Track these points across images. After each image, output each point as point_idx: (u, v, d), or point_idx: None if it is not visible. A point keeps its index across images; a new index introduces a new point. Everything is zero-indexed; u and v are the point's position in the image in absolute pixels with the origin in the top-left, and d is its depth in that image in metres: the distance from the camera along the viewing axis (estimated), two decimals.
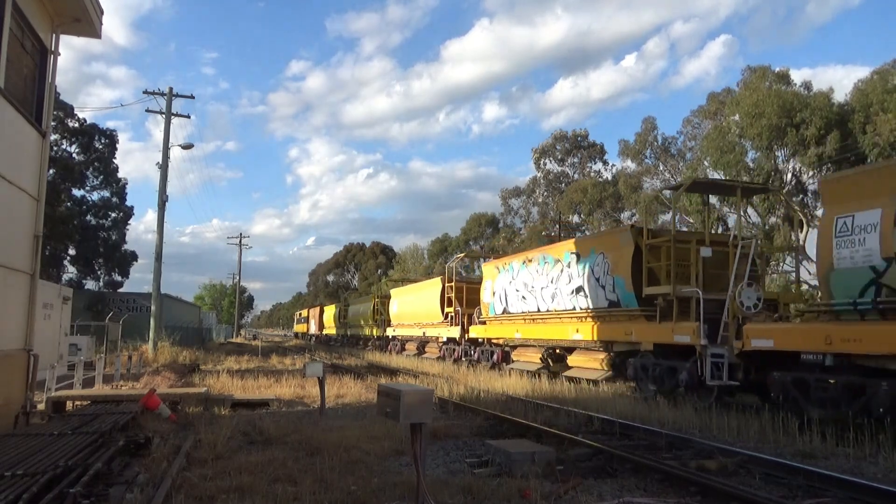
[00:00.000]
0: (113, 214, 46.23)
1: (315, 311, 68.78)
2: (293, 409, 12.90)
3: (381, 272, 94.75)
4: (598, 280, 16.26)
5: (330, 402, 13.17)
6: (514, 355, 21.46)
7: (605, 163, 63.93)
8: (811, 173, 39.26)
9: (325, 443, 8.59)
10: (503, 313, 21.89)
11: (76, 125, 43.29)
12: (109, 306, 38.86)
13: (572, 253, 17.86)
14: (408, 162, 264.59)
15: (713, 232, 14.98)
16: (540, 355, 19.70)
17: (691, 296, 13.00)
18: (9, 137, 9.73)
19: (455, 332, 26.54)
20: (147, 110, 31.49)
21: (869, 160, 33.31)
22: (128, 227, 48.05)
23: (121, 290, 46.59)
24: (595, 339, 16.54)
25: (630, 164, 54.13)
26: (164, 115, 30.59)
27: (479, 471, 7.38)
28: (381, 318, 39.74)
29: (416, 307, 32.66)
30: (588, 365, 17.27)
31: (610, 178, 60.29)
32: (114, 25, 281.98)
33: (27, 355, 10.66)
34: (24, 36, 10.44)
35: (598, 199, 54.76)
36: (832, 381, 9.73)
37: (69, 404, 12.22)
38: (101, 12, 12.05)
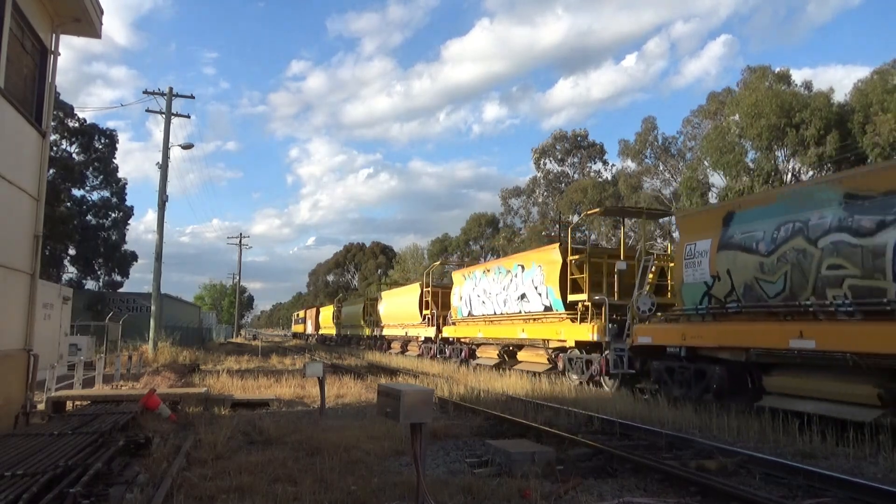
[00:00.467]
0: (113, 214, 46.25)
1: (312, 312, 71.42)
2: (293, 409, 12.90)
3: (382, 272, 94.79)
4: (536, 288, 19.49)
5: (330, 402, 13.18)
6: (479, 352, 24.90)
7: (605, 163, 64.01)
8: (811, 173, 39.27)
9: (326, 443, 8.59)
10: (468, 315, 25.03)
11: (76, 125, 43.31)
12: (109, 306, 38.86)
13: (519, 265, 21.03)
14: (408, 162, 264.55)
15: (639, 247, 17.73)
16: (497, 351, 23.21)
17: (602, 302, 16.19)
18: (9, 137, 9.74)
19: (431, 332, 29.69)
20: (147, 110, 31.53)
21: (869, 160, 33.33)
22: (128, 227, 48.11)
23: (121, 290, 46.62)
24: (535, 337, 19.79)
25: (630, 164, 54.18)
26: (164, 115, 30.61)
27: (479, 471, 7.38)
28: (371, 318, 42.37)
29: (399, 309, 35.65)
30: (533, 360, 20.64)
31: (610, 178, 60.33)
32: (114, 25, 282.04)
33: (27, 355, 10.67)
34: (24, 36, 10.44)
35: (598, 199, 54.77)
36: (687, 368, 12.70)
37: (69, 404, 12.22)
38: (101, 12, 12.06)
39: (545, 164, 65.15)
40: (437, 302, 29.76)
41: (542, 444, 8.37)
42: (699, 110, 48.49)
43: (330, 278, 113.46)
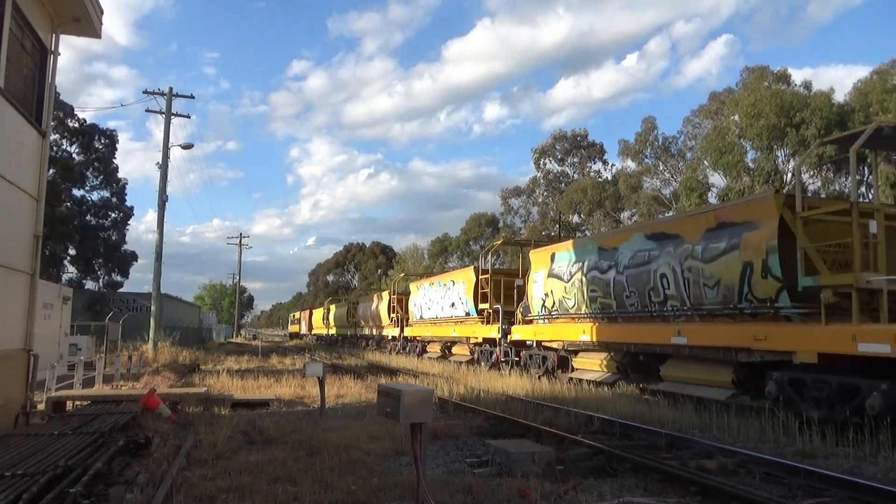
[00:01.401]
0: (113, 214, 46.27)
1: (305, 314, 76.81)
2: (293, 409, 12.91)
3: (382, 272, 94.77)
4: (460, 298, 26.35)
5: (330, 401, 13.18)
6: (428, 347, 31.72)
7: (604, 163, 63.99)
8: (811, 173, 39.27)
9: (326, 443, 8.59)
10: (420, 319, 31.90)
11: (76, 125, 43.33)
12: (109, 306, 38.87)
13: (451, 280, 28.11)
14: (409, 162, 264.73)
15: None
16: (440, 346, 29.85)
17: (498, 308, 22.47)
18: (9, 137, 9.74)
19: (396, 331, 36.17)
20: (147, 110, 31.54)
21: (869, 160, 33.28)
22: (128, 227, 48.13)
23: (121, 290, 46.64)
24: (461, 335, 26.55)
25: (630, 164, 54.17)
26: (164, 115, 30.61)
27: (479, 471, 7.39)
28: (353, 320, 49.60)
29: (373, 312, 41.89)
30: (462, 352, 27.13)
31: (610, 178, 60.33)
32: (115, 25, 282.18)
33: (27, 355, 10.67)
34: (24, 36, 10.44)
35: (597, 199, 54.78)
36: (537, 354, 19.58)
37: (69, 404, 12.22)
38: (101, 12, 12.06)
39: (545, 164, 65.19)
40: (403, 306, 35.38)
41: (542, 444, 8.37)
42: (700, 110, 48.53)
43: (330, 278, 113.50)
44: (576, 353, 17.45)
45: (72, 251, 43.90)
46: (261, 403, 13.21)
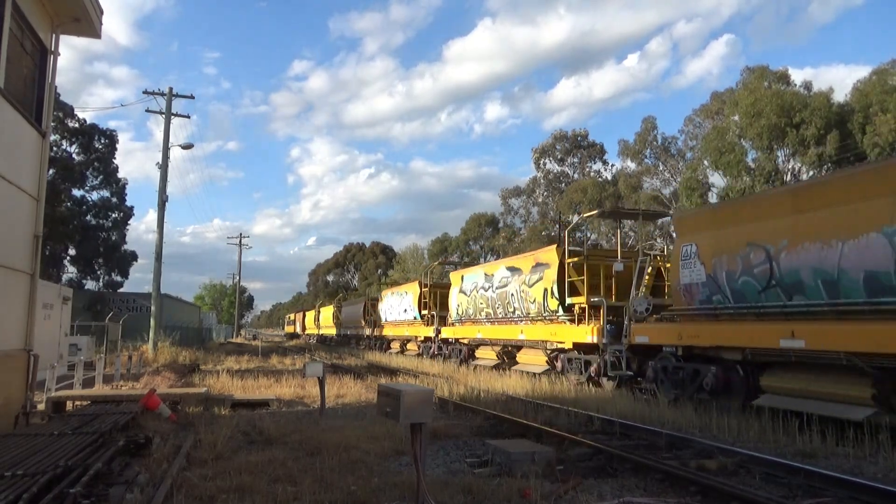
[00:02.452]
0: (113, 214, 46.24)
1: (300, 316, 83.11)
2: (293, 409, 12.91)
3: (382, 272, 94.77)
4: (410, 305, 33.04)
5: (330, 402, 13.18)
6: (392, 344, 38.62)
7: (604, 163, 63.96)
8: (811, 173, 39.27)
9: (326, 443, 8.59)
10: (385, 321, 38.77)
11: (76, 125, 43.31)
12: (109, 306, 38.87)
13: (405, 290, 35.32)
14: (409, 162, 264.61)
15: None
16: (398, 343, 36.99)
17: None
18: (9, 137, 9.74)
19: (368, 331, 43.87)
20: (147, 110, 31.54)
21: (869, 159, 33.33)
22: (128, 227, 48.10)
23: (121, 290, 46.63)
24: (411, 334, 33.33)
25: (630, 164, 54.17)
26: (164, 116, 30.61)
27: (479, 471, 7.39)
28: (338, 321, 55.16)
29: (351, 316, 49.59)
30: (412, 347, 33.92)
31: (610, 178, 60.32)
32: (116, 25, 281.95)
33: (27, 355, 10.67)
34: (24, 36, 10.44)
35: (597, 199, 54.77)
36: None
37: (69, 404, 12.22)
38: (101, 12, 12.05)
39: (545, 164, 65.17)
40: (375, 310, 42.24)
41: (542, 444, 8.37)
42: (701, 109, 48.51)
43: (330, 278, 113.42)
44: (478, 346, 24.68)
45: (72, 251, 43.89)
46: (261, 403, 13.20)
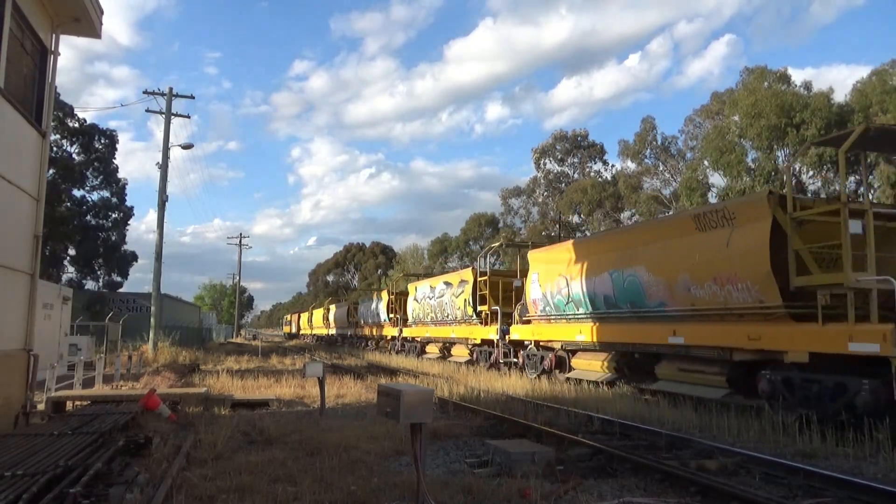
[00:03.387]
0: (113, 215, 46.23)
1: (296, 317, 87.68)
2: (293, 409, 12.90)
3: (382, 272, 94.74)
4: (380, 310, 39.54)
5: (330, 402, 13.18)
6: (370, 342, 44.35)
7: (604, 163, 63.94)
8: (811, 173, 39.28)
9: (325, 443, 8.59)
10: (363, 322, 45.29)
11: (76, 125, 43.31)
12: (109, 306, 38.87)
13: (376, 296, 42.41)
14: (410, 162, 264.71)
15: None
16: (374, 342, 42.71)
17: (397, 317, 33.82)
18: (9, 137, 9.74)
19: (350, 331, 50.48)
20: (147, 110, 31.53)
21: (869, 161, 33.27)
22: (128, 227, 48.09)
23: (120, 290, 46.62)
24: (384, 334, 39.09)
25: (630, 165, 54.16)
26: (164, 116, 30.60)
27: (479, 471, 7.39)
28: (328, 322, 59.75)
29: (339, 316, 54.49)
30: (384, 344, 39.71)
31: (610, 178, 60.31)
32: (116, 25, 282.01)
33: (27, 355, 10.67)
34: (24, 36, 10.44)
35: (597, 199, 54.77)
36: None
37: (69, 404, 12.22)
38: (101, 12, 12.06)
39: (545, 164, 65.15)
40: (356, 313, 48.12)
41: (542, 444, 8.37)
42: (701, 109, 48.49)
43: (330, 278, 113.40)
44: (427, 343, 30.94)
45: (72, 251, 43.90)
46: (261, 403, 13.20)
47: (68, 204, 41.39)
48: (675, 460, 7.85)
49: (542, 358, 18.85)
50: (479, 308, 23.81)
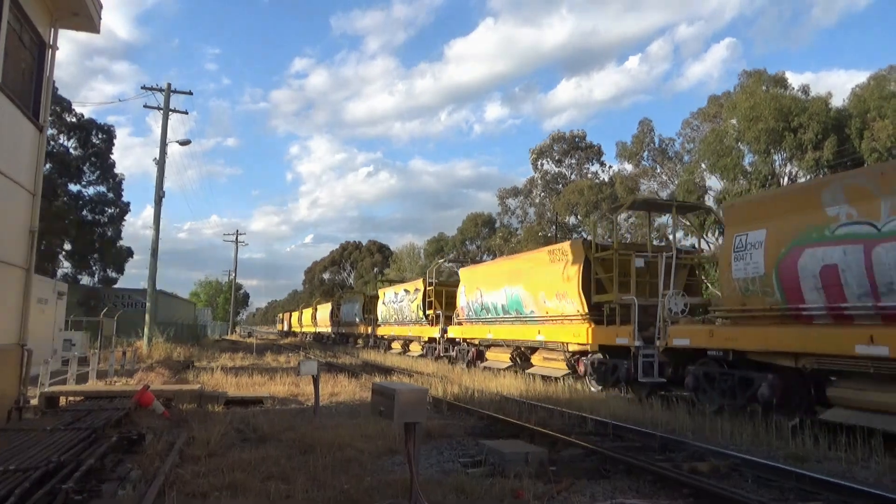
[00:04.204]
0: (109, 210, 46.12)
1: (287, 315, 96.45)
2: (287, 406, 12.90)
3: (378, 271, 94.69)
4: (357, 311, 45.31)
5: (324, 400, 13.17)
6: (350, 339, 49.84)
7: (602, 164, 63.94)
8: (808, 177, 39.32)
9: (319, 441, 8.59)
10: (342, 321, 51.85)
11: (73, 120, 43.21)
12: (104, 302, 38.78)
13: (353, 301, 48.21)
14: (409, 161, 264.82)
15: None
16: (353, 338, 48.51)
17: (371, 317, 39.31)
18: (6, 132, 9.72)
19: (329, 330, 55.98)
20: (145, 106, 31.50)
21: (866, 164, 33.41)
22: (124, 222, 47.99)
23: (116, 285, 46.53)
24: (358, 332, 45.25)
25: (627, 166, 54.22)
26: (162, 111, 30.55)
27: (472, 471, 7.39)
28: (315, 321, 64.34)
29: (322, 317, 59.92)
30: (360, 342, 45.36)
31: (607, 179, 60.35)
32: (116, 20, 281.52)
33: (21, 350, 10.65)
34: (23, 30, 10.41)
35: (594, 200, 54.82)
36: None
37: (62, 400, 12.19)
38: (100, 7, 12.04)
39: (542, 165, 65.16)
40: (338, 311, 53.11)
41: (535, 445, 8.38)
42: (699, 112, 48.55)
43: (326, 276, 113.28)
44: (392, 340, 36.51)
45: (67, 246, 43.80)
46: (255, 401, 13.19)
47: (64, 199, 41.28)
48: (667, 462, 7.87)
49: (468, 351, 24.03)
50: (427, 312, 29.14)
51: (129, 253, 48.65)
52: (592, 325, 16.33)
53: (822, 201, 10.12)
